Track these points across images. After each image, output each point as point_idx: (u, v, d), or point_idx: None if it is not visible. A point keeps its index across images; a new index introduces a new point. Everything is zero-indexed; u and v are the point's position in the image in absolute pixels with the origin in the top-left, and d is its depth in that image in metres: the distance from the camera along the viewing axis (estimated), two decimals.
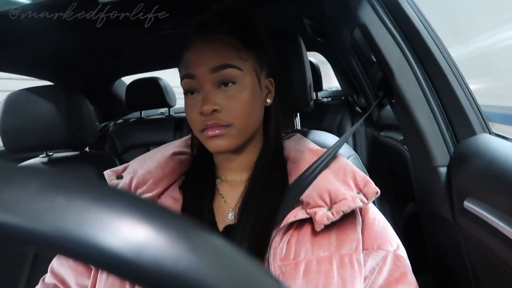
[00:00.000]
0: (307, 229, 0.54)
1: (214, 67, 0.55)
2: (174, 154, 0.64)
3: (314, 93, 2.20)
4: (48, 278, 0.59)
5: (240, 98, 0.56)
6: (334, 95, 2.45)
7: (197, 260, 0.16)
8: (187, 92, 0.58)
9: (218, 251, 0.17)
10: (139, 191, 0.58)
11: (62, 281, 0.57)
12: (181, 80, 0.58)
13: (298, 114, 0.93)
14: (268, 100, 0.63)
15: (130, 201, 0.17)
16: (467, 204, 0.66)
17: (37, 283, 0.59)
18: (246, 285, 0.17)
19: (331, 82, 3.82)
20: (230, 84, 0.56)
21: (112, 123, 2.20)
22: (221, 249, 0.17)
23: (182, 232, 0.17)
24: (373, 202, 0.56)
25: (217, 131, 0.55)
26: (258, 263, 0.18)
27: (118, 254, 0.15)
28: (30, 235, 0.16)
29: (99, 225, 0.16)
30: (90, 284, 0.55)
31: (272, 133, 0.64)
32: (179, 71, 0.59)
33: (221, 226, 0.59)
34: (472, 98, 0.78)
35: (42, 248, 0.16)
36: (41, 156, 1.17)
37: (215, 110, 0.55)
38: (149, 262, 0.15)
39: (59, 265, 0.59)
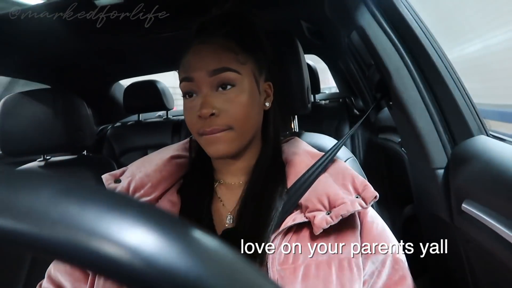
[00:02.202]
0: (305, 233, 0.54)
1: (213, 70, 0.55)
2: (172, 157, 0.64)
3: (312, 96, 2.20)
4: (45, 283, 0.58)
5: (238, 101, 0.56)
6: (332, 97, 2.46)
7: (198, 266, 0.16)
8: (186, 94, 0.58)
9: (215, 255, 0.17)
10: (137, 194, 0.58)
11: (59, 286, 0.57)
12: (180, 82, 0.58)
13: (295, 116, 0.93)
14: (267, 104, 0.63)
15: (139, 210, 0.17)
16: (465, 206, 0.66)
17: None
18: None
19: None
20: (228, 87, 0.56)
21: (110, 126, 2.20)
22: (218, 253, 0.17)
23: (193, 241, 0.17)
24: (371, 205, 0.56)
25: (218, 135, 0.55)
26: (256, 267, 0.18)
27: (128, 264, 0.15)
28: (41, 243, 0.16)
29: (109, 233, 0.16)
30: None
31: (271, 137, 0.64)
32: (178, 74, 0.60)
33: (219, 230, 0.58)
34: (469, 99, 0.79)
35: (53, 256, 0.16)
36: (38, 160, 1.16)
37: (213, 114, 0.55)
38: (160, 272, 0.16)
39: (56, 271, 0.58)
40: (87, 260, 0.16)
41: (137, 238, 0.16)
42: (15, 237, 0.16)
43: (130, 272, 0.15)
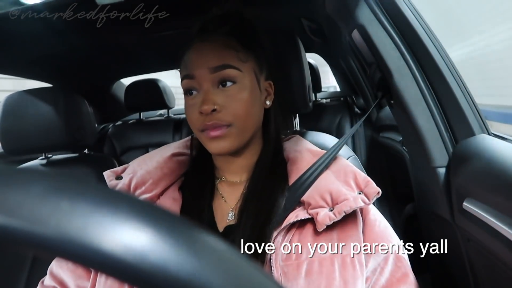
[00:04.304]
0: (308, 230, 0.54)
1: (214, 67, 0.56)
2: (174, 155, 0.65)
3: (313, 94, 2.20)
4: (47, 280, 0.59)
5: (239, 98, 0.56)
6: (333, 96, 2.45)
7: (196, 264, 0.16)
8: (187, 92, 0.59)
9: (217, 253, 0.17)
10: (138, 191, 0.58)
11: (61, 283, 0.57)
12: (181, 80, 0.59)
13: (297, 115, 0.93)
14: (268, 102, 0.63)
15: (133, 205, 0.17)
16: (466, 204, 0.66)
17: (36, 285, 0.59)
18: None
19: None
20: (229, 84, 0.56)
21: (111, 125, 2.20)
22: (219, 250, 0.18)
23: (184, 236, 0.17)
24: (373, 203, 0.56)
25: (218, 132, 0.55)
26: (257, 264, 0.18)
27: (121, 259, 0.15)
28: (34, 239, 0.16)
29: (102, 229, 0.16)
30: (89, 286, 0.55)
31: (272, 135, 0.64)
32: (180, 71, 0.60)
33: (221, 227, 0.59)
34: (471, 98, 0.79)
35: (45, 252, 0.16)
36: (40, 158, 1.17)
37: (214, 110, 0.55)
38: (152, 267, 0.15)
39: (58, 267, 0.58)
40: (88, 259, 0.16)
41: (133, 235, 0.16)
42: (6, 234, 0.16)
43: (125, 268, 0.15)
